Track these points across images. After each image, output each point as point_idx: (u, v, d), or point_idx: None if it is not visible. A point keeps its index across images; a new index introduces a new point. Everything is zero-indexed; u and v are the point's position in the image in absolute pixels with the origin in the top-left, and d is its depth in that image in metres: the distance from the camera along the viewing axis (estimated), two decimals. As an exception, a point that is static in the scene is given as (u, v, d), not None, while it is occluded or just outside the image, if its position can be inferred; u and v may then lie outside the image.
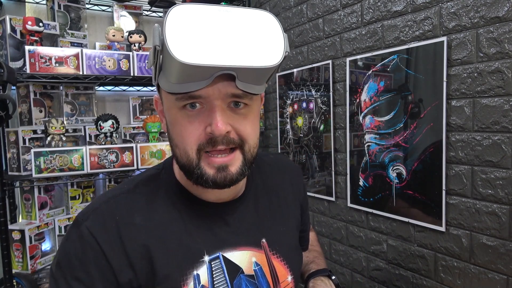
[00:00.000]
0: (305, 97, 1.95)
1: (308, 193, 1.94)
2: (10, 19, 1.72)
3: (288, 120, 2.10)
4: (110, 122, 1.86)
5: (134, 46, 1.95)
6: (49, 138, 1.76)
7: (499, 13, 1.14)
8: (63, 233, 1.89)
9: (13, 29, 1.73)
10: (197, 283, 0.63)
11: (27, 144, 1.75)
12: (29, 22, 1.66)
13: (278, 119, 2.19)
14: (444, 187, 1.30)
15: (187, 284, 0.63)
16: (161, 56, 0.56)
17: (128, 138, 2.08)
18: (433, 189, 1.34)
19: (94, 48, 2.07)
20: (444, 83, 1.28)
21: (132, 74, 1.87)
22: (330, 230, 1.87)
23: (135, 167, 1.85)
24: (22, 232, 1.72)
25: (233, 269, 0.67)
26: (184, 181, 0.68)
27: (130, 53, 1.87)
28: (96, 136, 1.94)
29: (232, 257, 0.68)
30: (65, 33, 1.94)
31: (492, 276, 1.20)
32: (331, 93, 1.77)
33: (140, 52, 1.90)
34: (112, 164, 1.80)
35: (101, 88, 2.15)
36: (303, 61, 1.97)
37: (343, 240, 1.80)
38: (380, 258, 1.60)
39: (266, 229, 0.74)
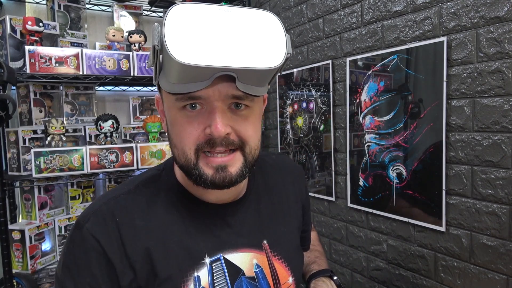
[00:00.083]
0: (305, 97, 1.95)
1: (309, 193, 1.94)
2: (10, 19, 1.72)
3: (288, 120, 2.10)
4: (110, 122, 1.86)
5: (134, 46, 1.95)
6: (49, 138, 1.76)
7: (499, 13, 1.14)
8: (63, 233, 1.89)
9: (13, 29, 1.73)
10: (197, 285, 0.63)
11: (27, 144, 1.75)
12: (29, 22, 1.66)
13: (278, 119, 2.19)
14: (444, 187, 1.30)
15: (188, 286, 0.62)
16: (160, 55, 0.55)
17: (128, 138, 2.08)
18: (433, 189, 1.34)
19: (94, 48, 2.07)
20: (444, 83, 1.28)
21: (132, 74, 1.86)
22: (330, 230, 1.87)
23: (135, 167, 1.85)
24: (22, 232, 1.72)
25: (234, 271, 0.67)
26: (185, 182, 0.68)
27: (130, 53, 1.87)
28: (96, 136, 1.94)
29: (233, 258, 0.67)
30: (65, 33, 1.94)
31: (492, 276, 1.20)
32: (331, 93, 1.77)
33: (140, 52, 1.90)
34: (112, 164, 1.80)
35: (101, 88, 2.15)
36: (303, 61, 1.97)
37: (343, 240, 1.80)
38: (380, 258, 1.60)
39: (267, 231, 0.73)
